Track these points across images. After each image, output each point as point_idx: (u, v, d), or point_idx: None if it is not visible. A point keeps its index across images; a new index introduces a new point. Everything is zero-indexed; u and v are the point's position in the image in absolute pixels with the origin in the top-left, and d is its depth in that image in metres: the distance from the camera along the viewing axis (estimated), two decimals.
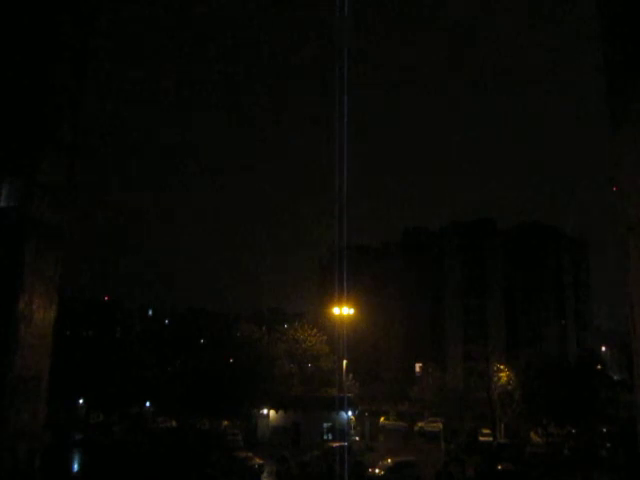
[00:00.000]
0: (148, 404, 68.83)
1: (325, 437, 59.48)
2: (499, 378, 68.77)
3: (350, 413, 62.68)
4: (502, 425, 67.96)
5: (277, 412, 63.59)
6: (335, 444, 49.09)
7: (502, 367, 70.62)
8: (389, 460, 45.93)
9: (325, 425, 61.35)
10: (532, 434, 67.14)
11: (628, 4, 6.05)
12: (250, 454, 47.56)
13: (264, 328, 74.65)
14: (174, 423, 66.93)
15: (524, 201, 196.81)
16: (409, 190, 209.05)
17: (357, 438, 64.20)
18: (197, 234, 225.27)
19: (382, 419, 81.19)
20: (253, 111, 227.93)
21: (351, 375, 68.15)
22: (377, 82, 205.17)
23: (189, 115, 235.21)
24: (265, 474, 45.24)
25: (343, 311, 61.14)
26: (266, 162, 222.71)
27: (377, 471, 44.19)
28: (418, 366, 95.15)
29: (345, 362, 63.22)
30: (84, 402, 67.85)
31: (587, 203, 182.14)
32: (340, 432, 56.98)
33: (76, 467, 47.75)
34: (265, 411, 64.25)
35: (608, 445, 55.88)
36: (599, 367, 73.23)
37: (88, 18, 5.86)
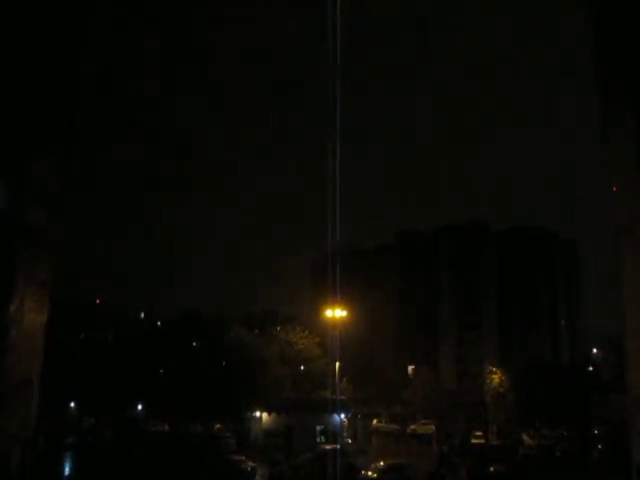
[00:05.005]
0: (140, 407, 68.60)
1: (318, 440, 59.35)
2: (492, 380, 69.04)
3: (343, 416, 62.63)
4: (494, 427, 68.19)
5: (270, 415, 63.45)
6: (328, 447, 49.00)
7: (495, 369, 70.91)
8: (381, 462, 45.90)
9: (318, 428, 61.26)
10: (524, 436, 67.33)
11: (620, 11, 6.10)
12: (243, 457, 47.41)
13: (256, 331, 74.49)
14: (166, 427, 66.74)
15: (519, 203, 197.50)
16: (403, 192, 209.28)
17: (350, 440, 64.18)
18: (194, 236, 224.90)
19: (375, 421, 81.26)
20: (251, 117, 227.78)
21: (344, 378, 68.10)
22: (375, 85, 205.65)
23: (188, 116, 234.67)
24: (258, 477, 45.15)
25: (336, 313, 61.03)
26: (261, 165, 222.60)
27: (369, 473, 44.16)
28: (411, 368, 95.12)
29: (338, 364, 63.17)
30: (76, 406, 67.58)
31: (580, 205, 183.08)
32: (333, 435, 56.95)
33: (68, 471, 47.49)
34: (258, 414, 64.14)
35: (600, 447, 56.06)
36: (591, 369, 73.53)
37: (85, 17, 5.83)
